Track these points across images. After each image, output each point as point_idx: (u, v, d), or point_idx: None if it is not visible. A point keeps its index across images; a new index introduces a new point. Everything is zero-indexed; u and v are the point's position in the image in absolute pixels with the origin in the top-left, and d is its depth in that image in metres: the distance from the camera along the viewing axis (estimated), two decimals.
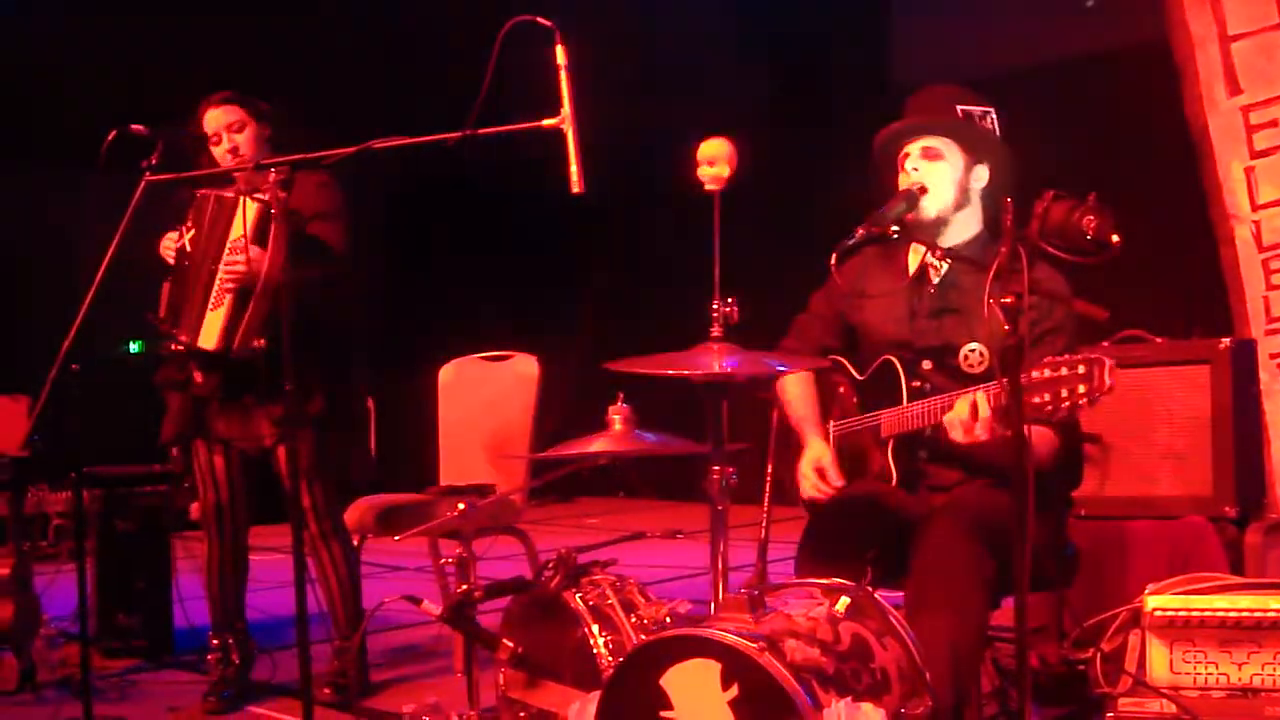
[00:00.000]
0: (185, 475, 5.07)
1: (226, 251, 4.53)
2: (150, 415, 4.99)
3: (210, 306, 4.55)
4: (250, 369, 4.56)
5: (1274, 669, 3.38)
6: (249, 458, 4.86)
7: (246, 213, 4.50)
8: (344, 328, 4.88)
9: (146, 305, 4.78)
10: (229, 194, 4.63)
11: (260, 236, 4.53)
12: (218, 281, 4.55)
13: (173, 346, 4.69)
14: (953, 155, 3.75)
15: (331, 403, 4.68)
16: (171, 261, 4.69)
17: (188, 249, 4.64)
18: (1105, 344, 4.85)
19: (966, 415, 3.33)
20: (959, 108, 3.79)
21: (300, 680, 3.50)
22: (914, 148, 3.76)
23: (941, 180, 3.73)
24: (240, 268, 4.51)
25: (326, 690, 4.78)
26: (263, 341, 4.47)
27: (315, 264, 4.51)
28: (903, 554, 3.50)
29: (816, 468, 3.79)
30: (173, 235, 4.69)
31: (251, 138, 4.74)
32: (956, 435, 3.37)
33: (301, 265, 3.92)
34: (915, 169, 3.73)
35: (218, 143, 4.72)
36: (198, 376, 4.72)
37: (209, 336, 4.56)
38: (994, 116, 3.81)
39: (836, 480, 3.77)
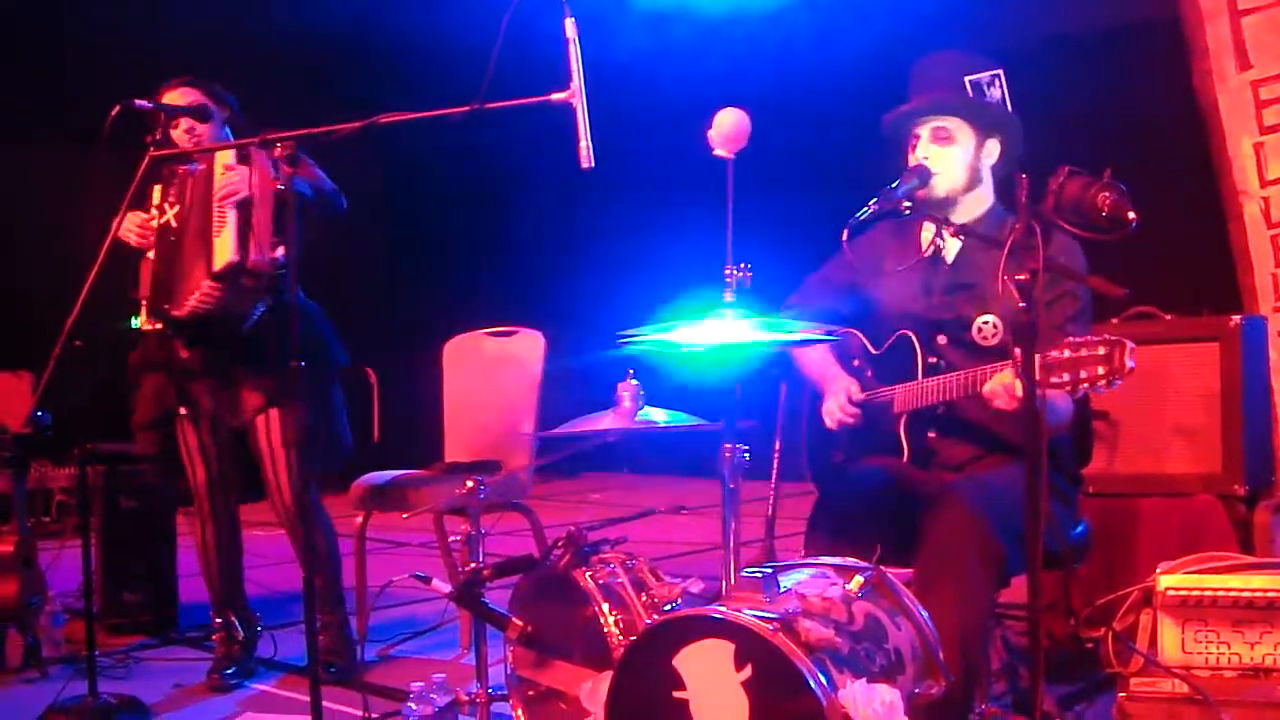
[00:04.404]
0: (157, 456, 5.02)
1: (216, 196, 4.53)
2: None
3: (215, 233, 4.49)
4: (236, 339, 4.59)
5: None
6: (235, 433, 4.82)
7: (224, 154, 4.53)
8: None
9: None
10: (202, 166, 4.62)
11: (243, 160, 4.55)
12: (215, 209, 4.50)
13: (151, 325, 4.63)
14: (963, 135, 3.72)
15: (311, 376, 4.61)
16: (139, 241, 4.65)
17: (173, 224, 4.63)
18: (1114, 320, 4.84)
19: (1010, 381, 3.31)
20: (966, 79, 3.74)
21: (308, 657, 3.49)
22: (924, 130, 3.74)
23: (951, 164, 3.72)
24: (237, 179, 4.49)
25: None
26: (280, 250, 4.51)
27: (310, 187, 4.59)
28: (913, 531, 3.49)
29: (845, 391, 3.83)
30: (137, 216, 4.65)
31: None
32: (1002, 402, 3.36)
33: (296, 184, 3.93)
34: (925, 157, 3.70)
35: (176, 125, 4.68)
36: (182, 353, 4.68)
37: (223, 254, 4.47)
38: (1002, 79, 3.77)
39: (858, 395, 3.83)
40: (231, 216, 4.49)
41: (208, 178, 4.55)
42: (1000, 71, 3.75)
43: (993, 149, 3.78)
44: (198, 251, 4.53)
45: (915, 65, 3.86)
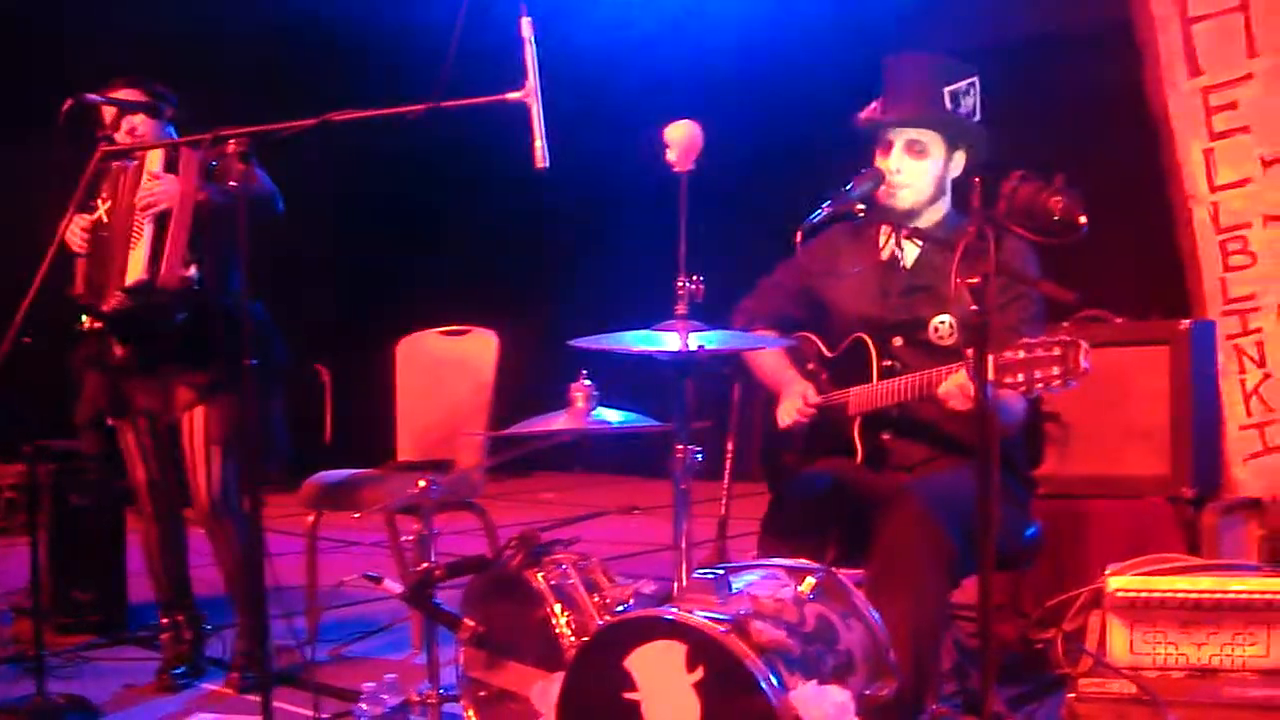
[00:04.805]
0: (100, 455, 4.98)
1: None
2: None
3: (131, 245, 4.46)
4: (167, 337, 4.55)
5: (1232, 649, 3.40)
6: (174, 431, 4.77)
7: (153, 159, 4.49)
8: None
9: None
10: (135, 163, 4.58)
11: (171, 167, 4.50)
12: (135, 218, 4.47)
13: (87, 325, 4.61)
14: (936, 148, 3.72)
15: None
16: (81, 246, 4.59)
17: (105, 220, 4.58)
18: (1065, 324, 4.86)
19: (965, 381, 3.33)
20: (945, 90, 3.72)
21: (261, 658, 3.47)
22: (899, 140, 3.71)
23: (921, 177, 3.71)
24: (159, 189, 4.44)
25: (234, 675, 4.73)
26: (194, 269, 4.45)
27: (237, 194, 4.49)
28: (866, 533, 3.50)
29: (802, 395, 3.81)
30: (82, 217, 4.57)
31: (147, 118, 4.67)
32: (957, 403, 3.38)
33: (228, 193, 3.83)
34: (898, 170, 3.70)
35: (118, 127, 4.64)
36: (117, 350, 4.64)
37: (134, 271, 4.44)
38: (977, 86, 3.76)
39: (814, 399, 3.80)
40: (148, 231, 4.45)
41: (136, 178, 4.52)
42: (975, 79, 3.74)
43: (959, 160, 3.78)
44: (120, 255, 4.50)
45: (891, 64, 3.79)
